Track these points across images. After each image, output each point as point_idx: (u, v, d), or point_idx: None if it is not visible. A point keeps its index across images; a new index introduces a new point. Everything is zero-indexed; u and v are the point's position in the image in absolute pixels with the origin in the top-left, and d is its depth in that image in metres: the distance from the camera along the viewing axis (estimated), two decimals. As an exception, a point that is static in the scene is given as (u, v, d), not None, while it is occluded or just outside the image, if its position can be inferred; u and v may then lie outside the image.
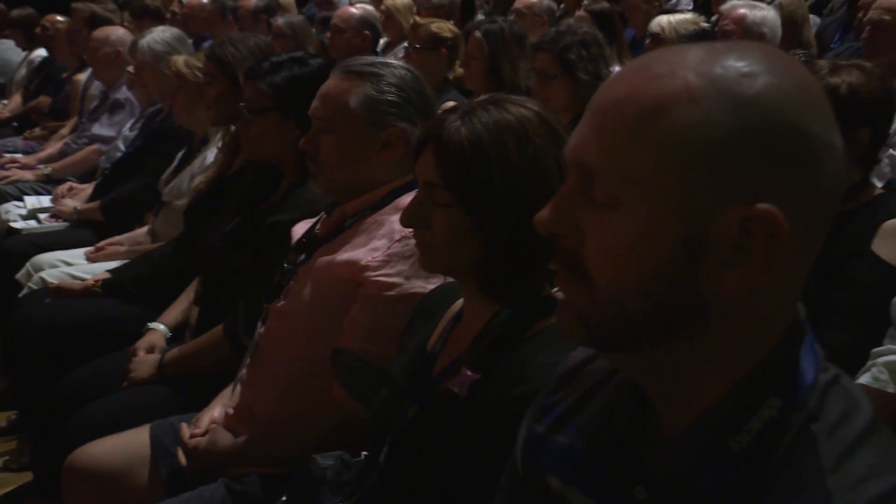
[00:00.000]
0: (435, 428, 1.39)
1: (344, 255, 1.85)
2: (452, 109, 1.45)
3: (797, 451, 0.81)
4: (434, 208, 1.41)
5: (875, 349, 1.92)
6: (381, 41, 6.26)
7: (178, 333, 2.59)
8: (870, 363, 1.91)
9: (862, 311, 1.98)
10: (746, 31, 4.08)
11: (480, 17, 6.44)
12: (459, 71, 4.16)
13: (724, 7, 4.37)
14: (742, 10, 4.11)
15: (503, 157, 1.37)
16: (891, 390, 1.86)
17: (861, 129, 2.08)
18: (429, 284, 1.74)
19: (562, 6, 6.23)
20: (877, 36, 3.42)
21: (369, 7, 6.10)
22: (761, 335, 0.84)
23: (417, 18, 4.30)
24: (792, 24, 5.02)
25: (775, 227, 0.78)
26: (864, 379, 1.89)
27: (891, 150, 3.36)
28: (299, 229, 2.10)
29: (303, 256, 1.99)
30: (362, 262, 1.81)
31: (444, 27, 4.10)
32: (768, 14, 4.12)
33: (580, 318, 0.86)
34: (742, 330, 0.83)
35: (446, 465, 1.35)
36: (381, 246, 1.81)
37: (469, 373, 1.39)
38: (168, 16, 7.46)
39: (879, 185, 3.30)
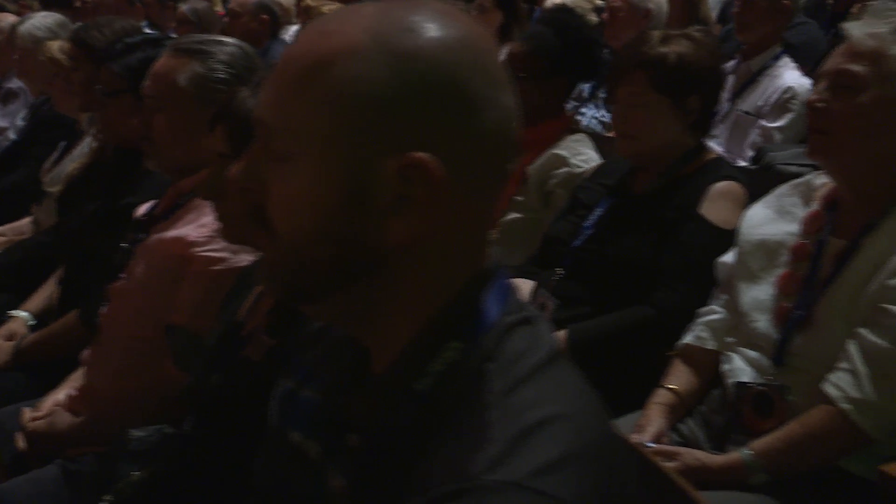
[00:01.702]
0: (234, 395, 1.42)
1: (173, 232, 1.86)
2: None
3: (469, 389, 0.85)
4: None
5: (701, 309, 1.99)
6: (295, 27, 6.22)
7: (43, 320, 2.57)
8: (694, 322, 1.97)
9: (690, 271, 2.04)
10: (633, 8, 4.16)
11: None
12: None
13: (612, -15, 4.43)
14: (629, -12, 4.18)
15: None
16: (711, 347, 1.92)
17: (691, 97, 2.14)
18: (256, 258, 1.76)
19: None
20: (747, 11, 3.50)
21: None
22: (442, 281, 0.88)
23: (310, 1, 4.29)
24: (689, 1, 5.11)
25: (431, 175, 0.81)
26: (687, 338, 1.95)
27: (761, 122, 3.46)
28: (143, 209, 2.10)
29: (141, 235, 1.99)
30: (190, 238, 1.82)
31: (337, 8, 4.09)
32: (654, -9, 4.19)
33: (270, 271, 0.89)
34: (421, 276, 0.87)
35: (243, 431, 1.38)
36: (208, 222, 1.82)
37: (265, 338, 1.41)
38: (77, 3, 7.34)
39: (750, 153, 3.41)
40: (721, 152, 3.58)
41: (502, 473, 0.77)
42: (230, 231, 1.50)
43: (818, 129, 1.73)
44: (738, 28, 3.66)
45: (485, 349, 0.86)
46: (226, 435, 1.41)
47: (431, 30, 0.84)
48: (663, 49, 2.13)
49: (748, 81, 3.58)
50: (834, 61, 1.72)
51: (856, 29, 1.70)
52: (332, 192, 0.83)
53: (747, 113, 3.52)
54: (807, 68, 3.47)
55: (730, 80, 3.66)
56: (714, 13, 5.55)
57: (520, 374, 0.85)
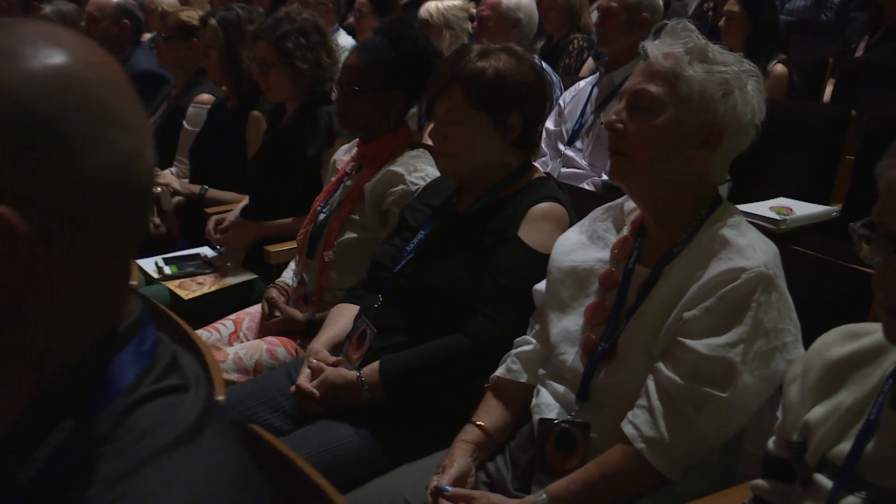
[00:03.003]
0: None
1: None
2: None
3: (76, 478, 0.72)
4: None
5: (517, 339, 1.89)
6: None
7: None
8: (508, 354, 1.87)
9: (506, 298, 1.93)
10: (502, 18, 4.08)
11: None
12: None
13: (481, -7, 4.36)
14: (498, -3, 4.10)
15: None
16: (523, 380, 1.82)
17: (512, 113, 2.04)
18: None
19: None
20: (606, 23, 3.45)
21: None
22: (54, 348, 0.75)
23: (166, 6, 4.09)
24: (570, 9, 5.08)
25: (11, 229, 0.69)
26: (499, 371, 1.86)
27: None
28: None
29: None
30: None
31: (195, 15, 3.91)
32: (522, 0, 4.12)
33: None
34: (24, 343, 0.73)
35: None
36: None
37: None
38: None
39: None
40: (584, 165, 3.56)
41: None
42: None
43: (617, 150, 1.64)
44: (599, 40, 3.61)
45: (101, 429, 0.74)
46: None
47: (20, 58, 0.71)
48: (481, 63, 2.03)
49: (611, 94, 3.53)
50: (633, 81, 1.64)
51: (653, 48, 1.62)
52: None
53: (609, 126, 3.46)
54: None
55: (594, 93, 3.62)
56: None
57: (139, 458, 0.73)
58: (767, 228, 2.72)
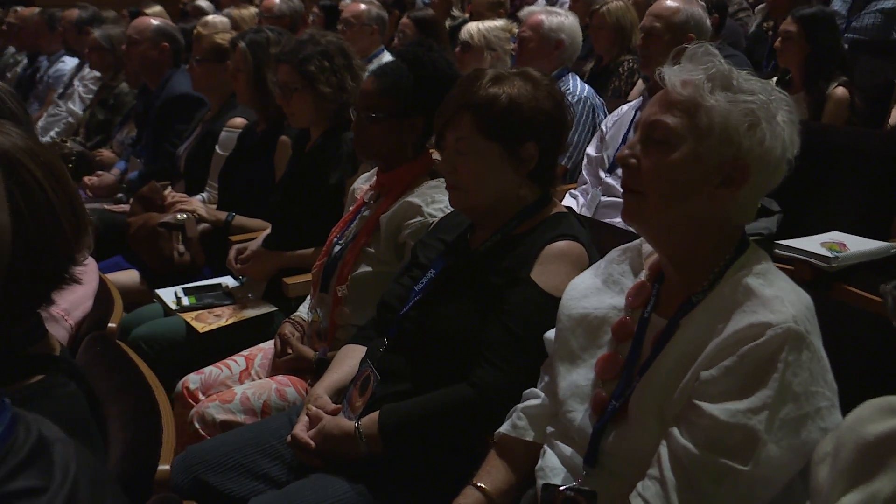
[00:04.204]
0: None
1: None
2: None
3: None
4: None
5: (526, 391, 1.72)
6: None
7: None
8: (514, 408, 1.71)
9: (515, 345, 1.77)
10: (543, 39, 3.93)
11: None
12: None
13: (523, 13, 4.23)
14: (539, 17, 3.96)
15: None
16: (529, 438, 1.66)
17: (527, 144, 1.88)
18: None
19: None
20: (650, 44, 3.27)
21: (217, 18, 5.81)
22: None
23: (200, 29, 4.04)
24: (620, 30, 4.92)
25: None
26: (504, 427, 1.69)
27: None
28: None
29: None
30: None
31: (228, 38, 3.84)
32: (565, 20, 3.96)
33: None
34: None
35: None
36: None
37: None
38: (3, 28, 7.15)
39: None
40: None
41: None
42: None
43: (629, 188, 1.47)
44: (642, 62, 3.43)
45: None
46: None
47: None
48: (494, 90, 1.88)
49: (655, 119, 3.34)
50: (648, 111, 1.47)
51: (671, 75, 1.45)
52: None
53: (652, 152, 3.28)
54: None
55: (637, 118, 3.43)
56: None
57: None
58: (818, 266, 2.52)
